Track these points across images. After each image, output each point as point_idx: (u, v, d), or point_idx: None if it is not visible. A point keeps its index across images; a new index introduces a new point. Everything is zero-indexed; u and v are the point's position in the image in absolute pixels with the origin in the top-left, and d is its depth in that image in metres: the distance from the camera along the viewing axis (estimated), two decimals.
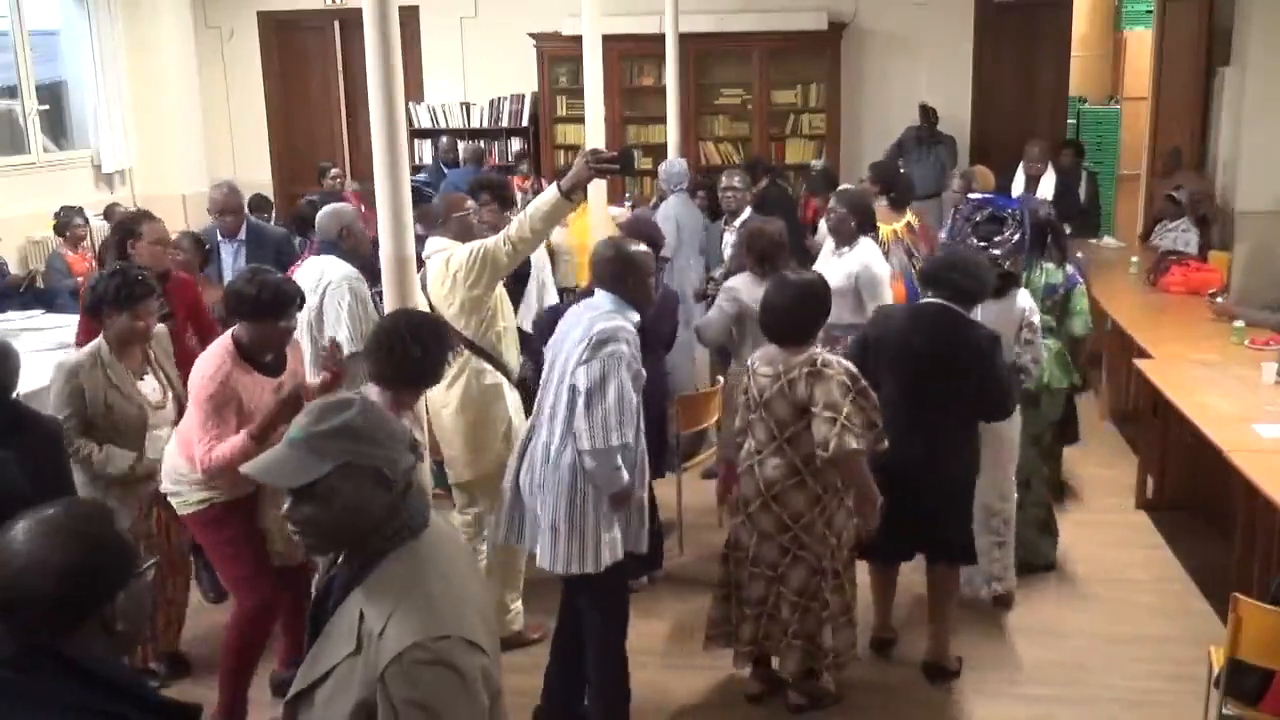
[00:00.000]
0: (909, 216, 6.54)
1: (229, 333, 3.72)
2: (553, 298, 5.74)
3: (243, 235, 6.09)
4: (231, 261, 6.04)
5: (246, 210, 6.52)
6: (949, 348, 3.97)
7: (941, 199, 8.72)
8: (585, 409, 3.42)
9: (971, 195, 5.14)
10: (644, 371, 3.56)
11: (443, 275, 4.29)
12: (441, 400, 4.33)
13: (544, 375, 3.69)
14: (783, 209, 7.24)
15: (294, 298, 3.72)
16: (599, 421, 3.40)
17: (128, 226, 5.00)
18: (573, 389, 3.47)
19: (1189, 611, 4.67)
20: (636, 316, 3.59)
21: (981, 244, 4.45)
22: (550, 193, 4.08)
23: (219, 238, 6.14)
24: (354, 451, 1.86)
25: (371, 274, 4.56)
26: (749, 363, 3.92)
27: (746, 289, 4.75)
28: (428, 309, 4.26)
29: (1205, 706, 3.50)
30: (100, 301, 3.92)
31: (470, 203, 4.63)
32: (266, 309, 3.62)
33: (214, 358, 3.64)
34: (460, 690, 1.79)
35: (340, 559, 1.97)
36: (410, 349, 3.41)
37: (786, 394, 3.70)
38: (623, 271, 3.60)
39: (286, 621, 4.03)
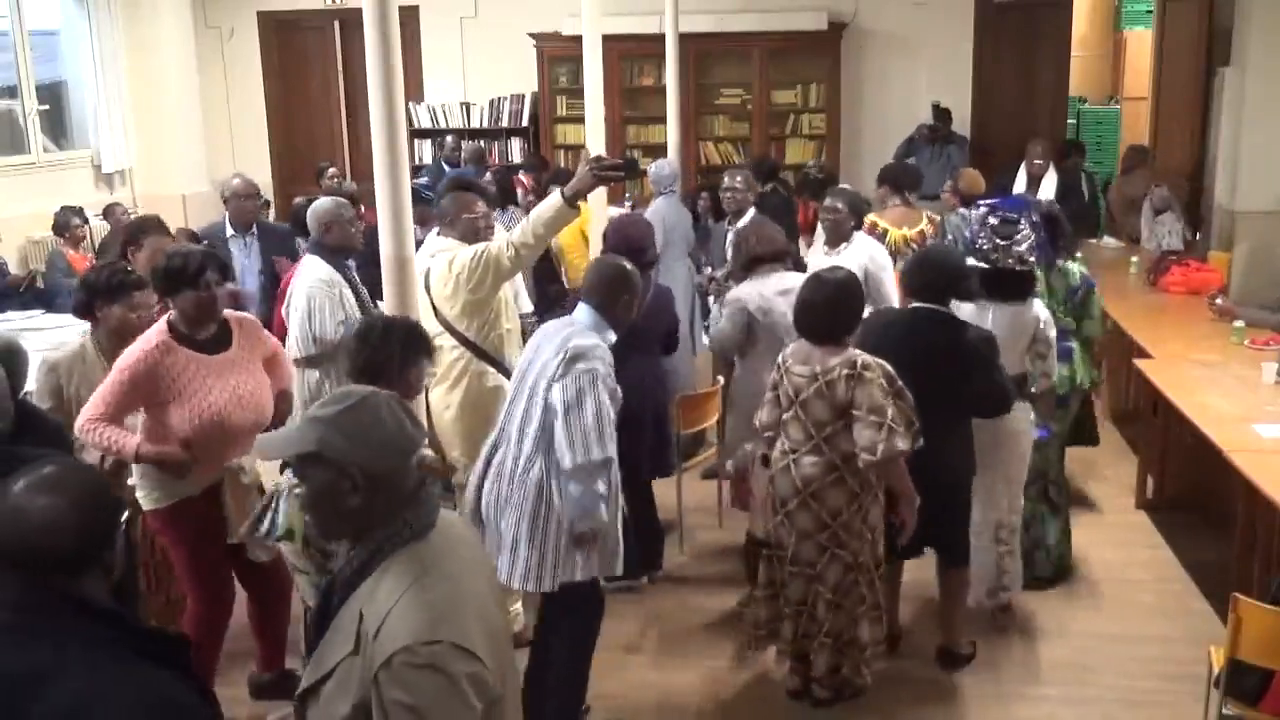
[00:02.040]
0: (924, 224, 6.28)
1: (165, 316, 3.68)
2: (525, 305, 5.78)
3: (254, 231, 6.06)
4: (243, 257, 5.98)
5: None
6: (944, 350, 3.98)
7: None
8: (564, 427, 3.37)
9: (983, 201, 5.15)
10: (620, 390, 3.53)
11: (445, 276, 4.27)
12: (443, 402, 4.32)
13: (513, 387, 3.64)
14: (781, 216, 7.25)
15: (203, 265, 3.60)
16: (579, 438, 3.35)
17: (133, 231, 4.97)
18: (546, 406, 3.43)
19: (1189, 611, 4.67)
20: (613, 336, 3.59)
21: (1003, 242, 4.44)
22: (554, 199, 4.09)
23: (229, 233, 6.04)
24: (324, 443, 1.90)
25: (365, 265, 4.59)
26: (781, 360, 3.91)
27: (748, 293, 4.76)
28: (430, 309, 4.25)
29: (1205, 706, 3.50)
30: (92, 295, 3.88)
31: (481, 205, 4.56)
32: (176, 277, 3.56)
33: (143, 338, 3.61)
34: (450, 695, 1.79)
35: (348, 556, 1.99)
36: (390, 349, 3.31)
37: (825, 395, 3.70)
38: (619, 290, 3.60)
39: (258, 625, 4.02)
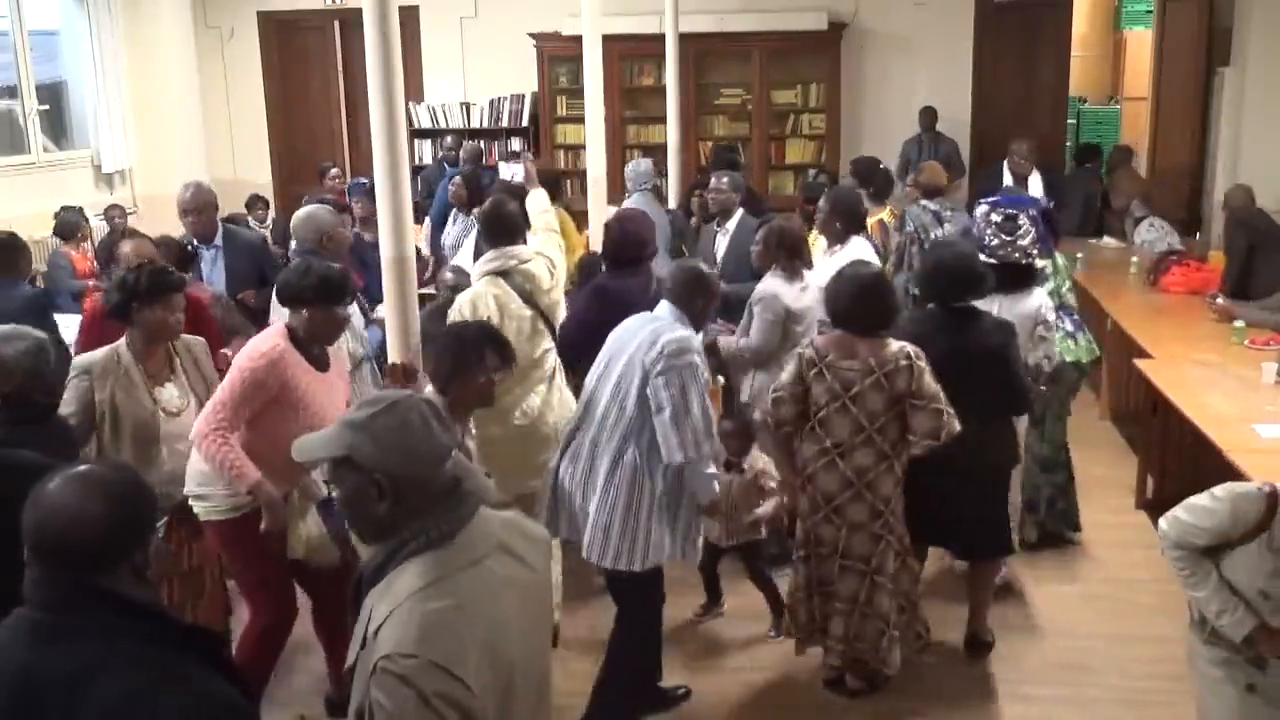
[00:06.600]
0: (883, 214, 6.60)
1: (282, 322, 3.67)
2: None
3: (219, 241, 5.61)
4: (209, 270, 5.55)
5: (236, 211, 6.34)
6: (967, 345, 4.04)
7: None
8: (672, 423, 3.50)
9: (985, 200, 5.19)
10: (709, 378, 3.68)
11: (551, 278, 4.45)
12: (547, 404, 4.31)
13: (596, 374, 3.74)
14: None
15: (352, 284, 3.78)
16: (689, 435, 3.51)
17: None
18: (640, 398, 3.55)
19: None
20: (692, 332, 3.70)
21: (1007, 238, 4.51)
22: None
23: (194, 244, 5.60)
24: (355, 448, 1.93)
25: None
26: (812, 355, 3.88)
27: (785, 290, 4.82)
28: (545, 326, 4.35)
29: None
30: (132, 297, 3.72)
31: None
32: (336, 291, 3.62)
33: (269, 338, 3.58)
34: (419, 710, 1.81)
35: (371, 553, 2.03)
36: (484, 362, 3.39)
37: (884, 386, 3.75)
38: (698, 292, 3.74)
39: (328, 642, 3.93)
